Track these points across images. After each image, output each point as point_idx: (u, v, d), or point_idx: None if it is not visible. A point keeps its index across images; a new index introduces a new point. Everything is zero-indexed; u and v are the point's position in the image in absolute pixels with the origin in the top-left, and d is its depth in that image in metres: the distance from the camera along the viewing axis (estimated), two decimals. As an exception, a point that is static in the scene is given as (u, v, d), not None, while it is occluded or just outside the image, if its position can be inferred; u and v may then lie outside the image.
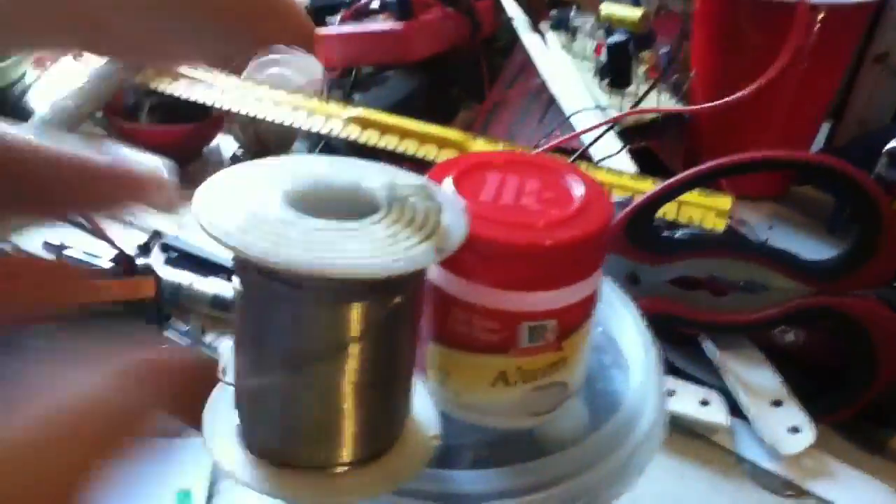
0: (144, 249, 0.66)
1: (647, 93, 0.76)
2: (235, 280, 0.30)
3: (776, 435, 0.51)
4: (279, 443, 0.31)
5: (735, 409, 0.53)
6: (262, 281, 0.28)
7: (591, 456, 0.34)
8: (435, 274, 0.33)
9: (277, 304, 0.28)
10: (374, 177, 0.32)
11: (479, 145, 0.69)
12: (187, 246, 0.65)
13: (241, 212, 0.28)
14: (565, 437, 0.38)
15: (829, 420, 0.53)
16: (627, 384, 0.40)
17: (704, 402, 0.53)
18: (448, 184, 0.33)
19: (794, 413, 0.53)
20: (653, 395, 0.37)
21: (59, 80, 0.78)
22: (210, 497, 0.46)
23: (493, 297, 0.31)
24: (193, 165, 0.78)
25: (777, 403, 0.53)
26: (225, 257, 0.64)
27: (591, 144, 0.67)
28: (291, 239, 0.27)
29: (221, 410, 0.33)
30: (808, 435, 0.51)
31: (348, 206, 0.31)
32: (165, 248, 0.66)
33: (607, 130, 0.68)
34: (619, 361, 0.41)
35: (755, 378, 0.55)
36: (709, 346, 0.56)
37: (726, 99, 0.68)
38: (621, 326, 0.41)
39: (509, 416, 0.35)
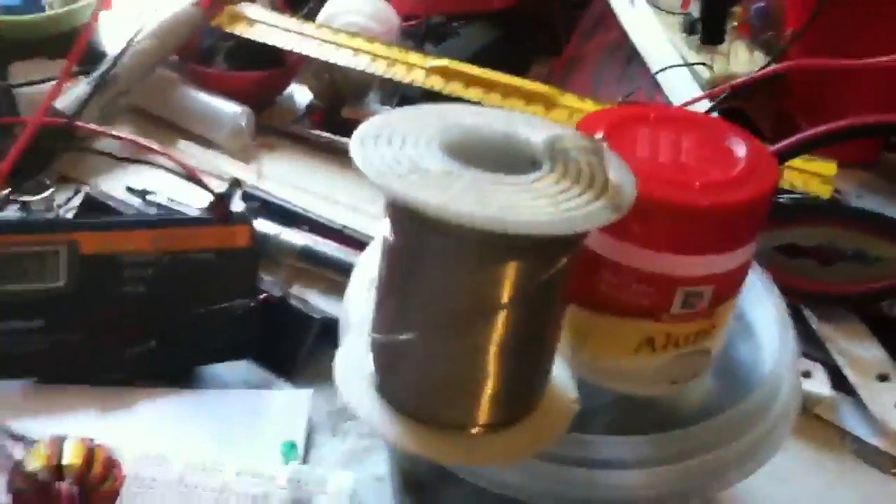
0: (225, 198, 0.65)
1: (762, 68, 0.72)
2: (386, 229, 0.29)
3: (884, 409, 0.49)
4: (419, 399, 0.30)
5: (838, 383, 0.52)
6: (423, 232, 0.27)
7: (729, 431, 0.33)
8: (584, 233, 0.31)
9: (436, 257, 0.27)
10: (525, 129, 0.30)
11: (568, 100, 0.67)
12: (268, 196, 0.64)
13: (403, 161, 0.27)
14: (693, 407, 0.37)
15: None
16: (755, 356, 0.38)
17: (807, 374, 0.52)
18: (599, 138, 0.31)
19: (900, 388, 0.51)
20: (789, 374, 0.36)
21: (130, 22, 0.76)
22: (307, 449, 0.46)
23: (648, 259, 0.30)
24: (267, 113, 0.77)
25: (883, 378, 0.51)
26: (310, 210, 0.63)
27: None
28: (461, 192, 0.25)
29: (354, 361, 0.32)
30: (915, 411, 0.50)
31: (501, 159, 0.29)
32: (246, 197, 0.65)
33: (714, 106, 0.65)
34: (745, 331, 0.40)
35: (860, 351, 0.53)
36: (811, 317, 0.55)
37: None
38: (749, 294, 0.40)
39: (648, 382, 0.34)
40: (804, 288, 0.54)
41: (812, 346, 0.54)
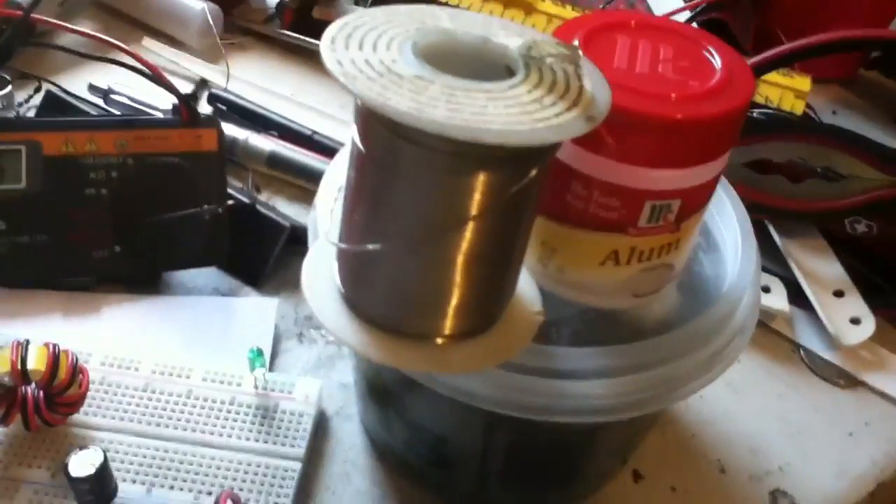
0: (191, 100, 0.63)
1: None
2: (355, 135, 0.28)
3: (837, 325, 0.51)
4: (386, 309, 0.30)
5: (795, 298, 0.53)
6: (392, 140, 0.26)
7: (688, 344, 0.33)
8: (554, 144, 0.31)
9: (406, 167, 0.27)
10: (502, 34, 0.29)
11: (547, 6, 0.65)
12: (238, 99, 0.63)
13: (374, 63, 0.26)
14: (657, 320, 0.38)
15: (890, 314, 0.53)
16: (719, 269, 0.39)
17: (766, 289, 0.53)
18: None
19: (856, 304, 0.52)
20: (750, 288, 0.36)
21: None
22: (274, 356, 0.46)
23: (617, 171, 0.30)
24: (237, 11, 0.74)
25: (839, 294, 0.53)
26: (279, 114, 0.61)
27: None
28: (432, 99, 0.25)
29: (321, 269, 0.32)
30: (868, 327, 0.51)
31: (476, 64, 0.28)
32: (214, 99, 0.63)
33: (694, 17, 0.64)
34: (711, 246, 0.40)
35: (819, 267, 0.54)
36: (774, 233, 0.55)
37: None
38: (716, 210, 0.40)
39: (612, 295, 0.34)
40: (771, 204, 0.54)
41: (774, 261, 0.55)
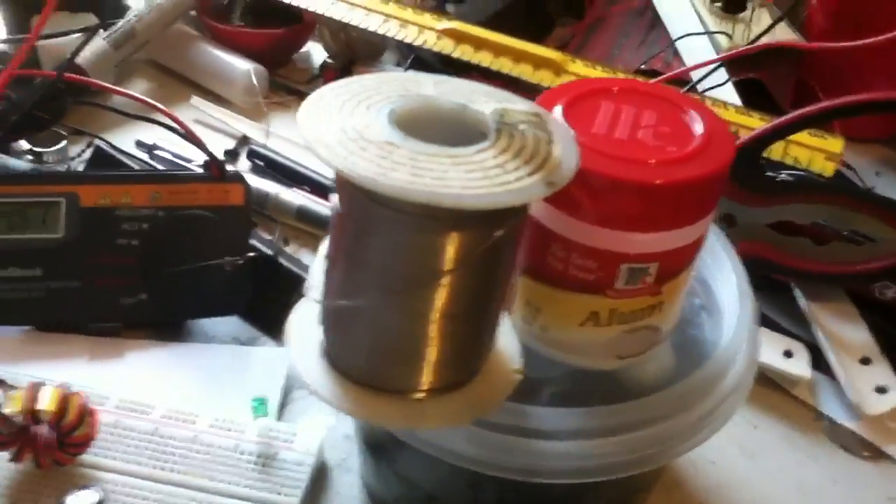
0: (232, 155, 0.67)
1: (766, 31, 0.70)
2: (334, 198, 0.30)
3: (861, 393, 0.49)
4: (363, 363, 0.31)
5: (820, 364, 0.51)
6: (365, 202, 0.28)
7: (672, 405, 0.33)
8: (535, 206, 0.32)
9: (378, 226, 0.28)
10: (482, 100, 0.30)
11: (577, 67, 0.66)
12: (274, 155, 0.65)
13: (347, 129, 0.27)
14: (650, 382, 0.37)
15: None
16: (718, 332, 0.38)
17: (788, 353, 0.51)
18: (558, 112, 0.32)
19: (883, 372, 0.50)
20: (745, 348, 0.36)
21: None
22: (283, 405, 0.47)
23: (593, 234, 0.30)
24: (282, 70, 0.77)
25: (866, 361, 0.51)
26: (312, 169, 0.64)
27: (699, 80, 0.63)
28: (397, 163, 0.26)
29: (306, 325, 0.33)
30: (894, 396, 0.49)
31: (455, 130, 0.29)
32: (252, 155, 0.66)
33: (716, 68, 0.64)
34: (711, 307, 0.40)
35: (846, 332, 0.52)
36: (800, 296, 0.54)
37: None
38: (717, 270, 0.40)
39: (596, 356, 0.34)
40: (796, 266, 0.53)
41: (799, 325, 0.54)
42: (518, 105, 0.30)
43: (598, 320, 0.32)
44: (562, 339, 0.34)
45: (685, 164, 0.29)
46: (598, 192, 0.29)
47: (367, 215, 0.28)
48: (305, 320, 0.33)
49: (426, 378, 0.31)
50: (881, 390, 0.50)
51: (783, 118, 0.52)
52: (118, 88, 0.57)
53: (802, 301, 0.54)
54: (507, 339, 0.34)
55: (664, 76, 0.65)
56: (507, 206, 0.25)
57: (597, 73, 0.66)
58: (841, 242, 0.52)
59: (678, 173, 0.29)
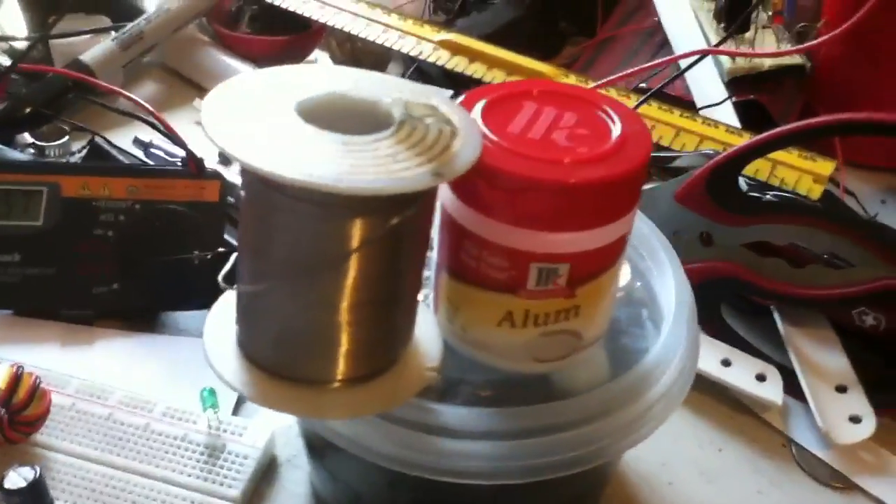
0: (225, 156, 0.68)
1: (729, 32, 0.68)
2: (241, 188, 0.30)
3: (834, 421, 0.47)
4: (273, 353, 0.31)
5: (793, 389, 0.50)
6: (262, 189, 0.28)
7: (593, 409, 0.32)
8: (451, 204, 0.32)
9: (275, 213, 0.28)
10: (396, 95, 0.31)
11: (570, 81, 0.66)
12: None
13: (249, 117, 0.28)
14: (582, 389, 0.37)
15: (894, 414, 0.49)
16: (655, 341, 0.37)
17: (760, 377, 0.50)
18: (476, 111, 0.31)
19: (858, 401, 0.48)
20: (680, 351, 0.35)
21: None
22: (241, 399, 0.48)
23: (503, 232, 0.30)
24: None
25: (842, 389, 0.49)
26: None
27: (661, 86, 0.62)
28: (287, 149, 0.26)
29: (223, 317, 0.33)
30: (868, 426, 0.47)
31: (368, 124, 0.30)
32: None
33: (694, 63, 0.62)
34: (657, 318, 0.39)
35: (823, 359, 0.50)
36: (779, 319, 0.53)
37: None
38: (663, 282, 0.39)
39: (514, 358, 0.33)
40: (772, 288, 0.52)
41: (776, 349, 0.52)
42: (431, 101, 0.30)
43: (513, 321, 0.32)
44: (480, 340, 0.33)
45: (594, 164, 0.29)
46: (506, 190, 0.29)
47: (264, 202, 0.28)
48: (223, 312, 0.33)
49: (333, 368, 0.31)
50: (855, 420, 0.48)
51: (762, 135, 0.51)
52: (109, 86, 0.59)
53: (780, 325, 0.52)
54: (429, 336, 0.34)
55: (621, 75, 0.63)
56: (390, 194, 0.25)
57: (587, 87, 0.66)
58: (818, 266, 0.51)
59: (585, 173, 0.29)
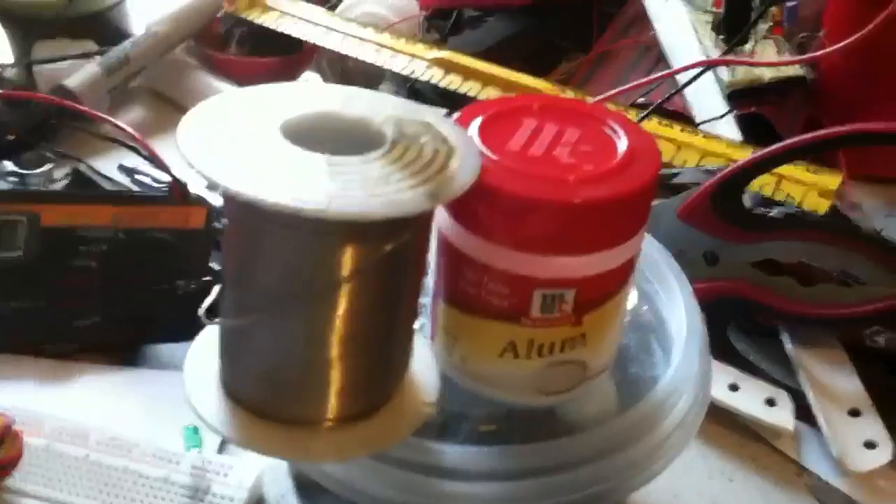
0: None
1: (733, 44, 0.67)
2: (224, 215, 0.28)
3: (847, 448, 0.45)
4: (259, 392, 0.29)
5: (805, 413, 0.48)
6: (245, 215, 0.26)
7: (601, 445, 0.30)
8: (448, 227, 0.30)
9: (259, 240, 0.26)
10: (389, 113, 0.29)
11: (568, 94, 0.64)
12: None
13: (231, 140, 0.26)
14: (590, 422, 0.34)
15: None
16: (665, 370, 0.35)
17: (770, 402, 0.48)
18: (474, 127, 0.30)
19: (872, 426, 0.46)
20: (692, 381, 0.33)
21: (156, 5, 0.78)
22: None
23: (504, 257, 0.28)
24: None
25: (855, 413, 0.47)
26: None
27: (664, 100, 0.60)
28: (271, 172, 0.24)
29: (205, 353, 0.31)
30: (885, 452, 0.45)
31: (358, 143, 0.28)
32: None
33: (697, 76, 0.61)
34: (666, 344, 0.37)
35: (835, 381, 0.48)
36: (787, 340, 0.51)
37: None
38: (672, 306, 0.37)
39: (518, 391, 0.31)
40: (781, 307, 0.50)
41: (785, 372, 0.50)
42: (425, 118, 0.28)
43: (516, 351, 0.30)
44: (481, 372, 0.31)
45: (601, 182, 0.27)
46: (507, 211, 0.27)
47: (243, 227, 0.26)
48: (205, 348, 0.31)
49: (323, 407, 0.29)
50: (870, 445, 0.46)
51: (767, 150, 0.49)
52: (92, 111, 0.58)
53: (789, 346, 0.50)
54: (425, 369, 0.32)
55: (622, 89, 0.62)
56: (383, 219, 0.23)
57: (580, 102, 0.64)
58: (829, 283, 0.49)
59: (592, 191, 0.27)
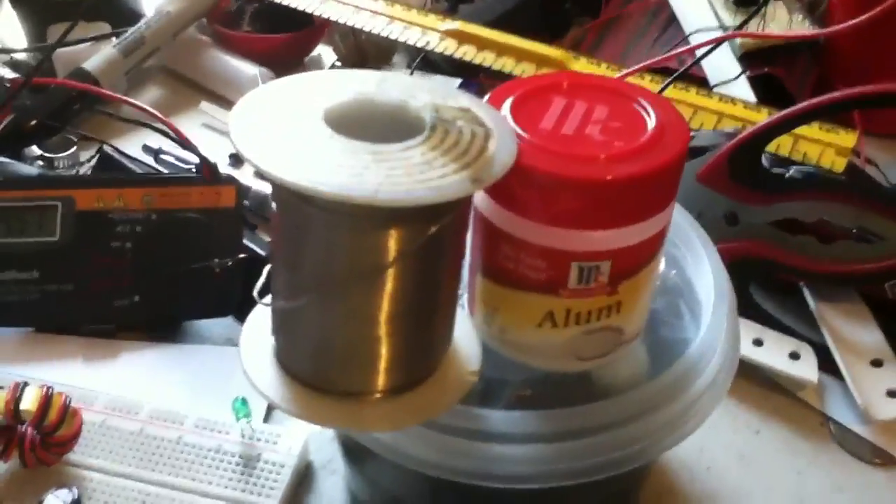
0: (236, 158, 0.67)
1: (751, 15, 0.67)
2: (273, 201, 0.29)
3: (871, 397, 0.47)
4: (312, 367, 0.31)
5: (828, 366, 0.49)
6: (295, 202, 0.27)
7: (639, 407, 0.32)
8: (484, 205, 0.31)
9: (309, 226, 0.28)
10: (424, 97, 0.30)
11: (580, 65, 0.65)
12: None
13: (278, 130, 0.27)
14: (623, 384, 0.36)
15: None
16: (697, 332, 0.37)
17: (794, 355, 0.49)
18: (506, 108, 0.31)
19: (894, 375, 0.48)
20: (721, 344, 0.35)
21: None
22: (272, 407, 0.47)
23: (541, 233, 0.29)
24: (293, 74, 0.78)
25: (877, 363, 0.48)
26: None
27: (684, 69, 0.61)
28: (320, 161, 0.25)
29: (259, 330, 0.33)
30: (908, 401, 0.47)
31: (396, 128, 0.29)
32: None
33: (712, 50, 0.61)
34: (694, 306, 0.38)
35: (856, 334, 0.50)
36: (809, 296, 0.52)
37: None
38: (698, 269, 0.38)
39: (556, 358, 0.33)
40: (802, 266, 0.51)
41: (808, 326, 0.51)
42: (460, 101, 0.29)
43: (554, 321, 0.31)
44: (520, 341, 0.33)
45: (632, 158, 0.28)
46: (542, 189, 0.28)
47: (297, 215, 0.27)
48: (261, 323, 0.33)
49: (373, 380, 0.30)
50: (893, 394, 0.47)
51: (784, 112, 0.50)
52: (115, 94, 0.58)
53: (811, 301, 0.52)
54: (467, 340, 0.33)
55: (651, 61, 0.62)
56: (428, 204, 0.25)
57: (601, 70, 0.65)
58: (849, 241, 0.50)
59: (624, 168, 0.28)
